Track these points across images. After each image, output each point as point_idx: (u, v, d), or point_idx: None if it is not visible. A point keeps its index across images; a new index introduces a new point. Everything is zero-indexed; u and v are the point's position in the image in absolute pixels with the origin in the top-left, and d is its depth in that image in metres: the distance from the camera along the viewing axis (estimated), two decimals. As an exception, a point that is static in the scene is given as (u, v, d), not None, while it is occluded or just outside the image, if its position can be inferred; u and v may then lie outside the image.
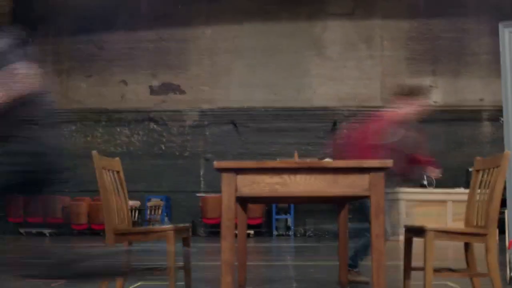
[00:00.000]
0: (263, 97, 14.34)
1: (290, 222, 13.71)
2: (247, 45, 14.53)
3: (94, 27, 14.25)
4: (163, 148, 14.62)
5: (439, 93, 13.98)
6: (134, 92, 14.76)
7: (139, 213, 13.49)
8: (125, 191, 3.94)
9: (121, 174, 3.94)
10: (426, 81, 13.53)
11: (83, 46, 14.72)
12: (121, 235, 3.66)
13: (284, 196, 3.13)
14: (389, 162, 3.06)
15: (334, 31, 14.57)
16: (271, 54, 14.47)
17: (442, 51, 14.31)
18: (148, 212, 13.12)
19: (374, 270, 2.98)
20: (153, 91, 14.79)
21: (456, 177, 12.14)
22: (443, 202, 11.74)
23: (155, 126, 14.70)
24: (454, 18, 14.22)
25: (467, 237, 3.67)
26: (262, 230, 13.64)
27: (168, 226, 3.76)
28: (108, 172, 3.75)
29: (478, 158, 4.04)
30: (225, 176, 3.02)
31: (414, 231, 3.82)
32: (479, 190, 3.86)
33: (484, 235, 3.62)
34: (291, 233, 13.70)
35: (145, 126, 14.67)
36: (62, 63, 14.73)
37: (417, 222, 11.79)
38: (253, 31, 14.57)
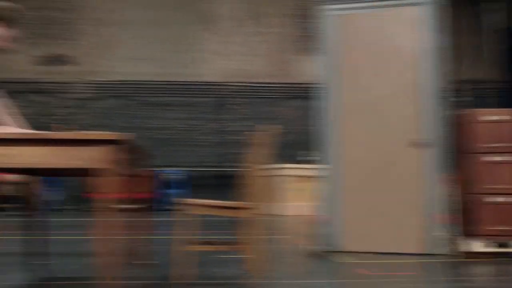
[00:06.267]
0: (149, 71, 14.13)
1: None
2: (134, 17, 14.22)
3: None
4: (47, 120, 14.19)
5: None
6: (14, 61, 14.17)
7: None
8: None
9: None
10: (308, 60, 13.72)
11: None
12: None
13: (7, 168, 3.05)
14: (127, 135, 3.04)
15: (222, 6, 14.49)
16: (158, 27, 14.25)
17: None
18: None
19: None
20: (36, 61, 14.26)
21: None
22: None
23: (36, 97, 14.22)
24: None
25: (226, 211, 3.73)
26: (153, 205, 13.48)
27: None
28: None
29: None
30: None
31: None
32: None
33: (247, 208, 3.70)
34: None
35: (26, 98, 14.16)
36: None
37: (290, 197, 12.06)
38: (140, 3, 14.27)
